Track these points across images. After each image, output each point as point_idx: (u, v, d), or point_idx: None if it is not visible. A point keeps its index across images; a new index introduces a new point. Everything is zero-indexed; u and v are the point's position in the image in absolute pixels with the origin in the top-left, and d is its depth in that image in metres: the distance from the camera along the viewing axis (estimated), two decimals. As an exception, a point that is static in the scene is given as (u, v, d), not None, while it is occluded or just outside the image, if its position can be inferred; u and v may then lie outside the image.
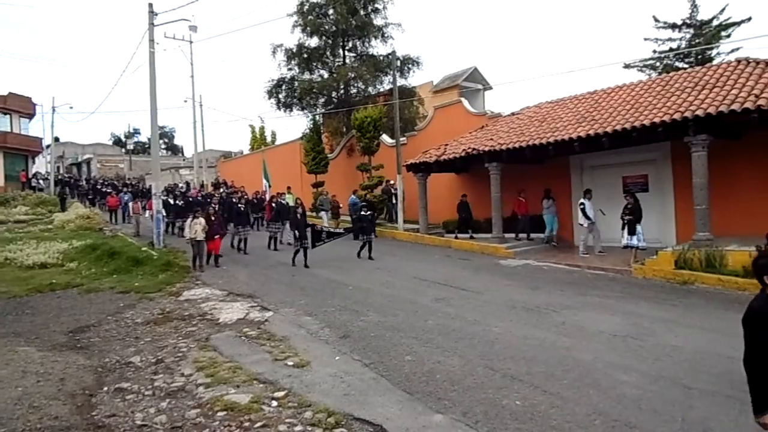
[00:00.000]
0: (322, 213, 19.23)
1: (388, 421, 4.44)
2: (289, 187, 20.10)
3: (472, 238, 15.87)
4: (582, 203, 13.01)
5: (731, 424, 4.22)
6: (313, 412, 4.63)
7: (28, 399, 5.14)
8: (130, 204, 21.31)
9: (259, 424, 4.48)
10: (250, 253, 14.91)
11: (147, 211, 19.77)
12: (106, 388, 5.56)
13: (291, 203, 16.61)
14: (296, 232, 12.97)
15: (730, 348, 6.00)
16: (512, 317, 7.76)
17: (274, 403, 4.90)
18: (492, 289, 9.77)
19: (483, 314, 7.94)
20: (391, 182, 19.89)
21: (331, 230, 14.20)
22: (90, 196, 31.05)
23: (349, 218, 18.58)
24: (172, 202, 18.98)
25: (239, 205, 15.90)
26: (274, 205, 16.46)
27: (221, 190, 24.52)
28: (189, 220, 13.08)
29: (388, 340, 6.75)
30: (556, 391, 4.93)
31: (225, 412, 4.73)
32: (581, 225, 13.18)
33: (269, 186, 20.83)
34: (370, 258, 13.37)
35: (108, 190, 28.15)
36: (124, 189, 26.97)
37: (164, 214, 18.10)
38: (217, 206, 14.93)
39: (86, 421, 4.72)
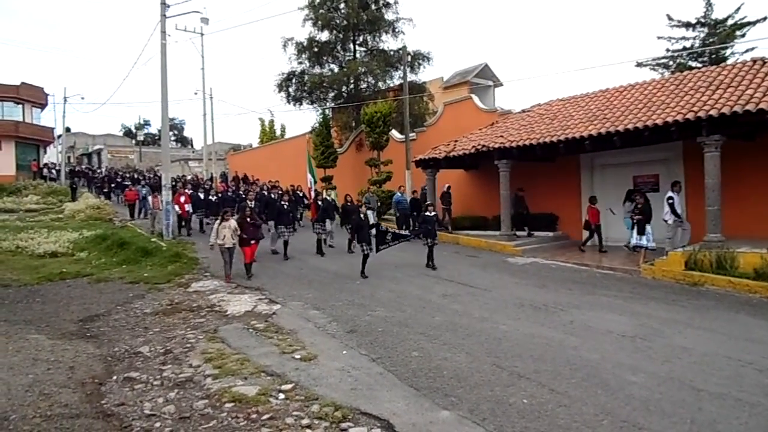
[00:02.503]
0: (368, 212, 17.20)
1: (395, 416, 4.45)
2: (330, 181, 19.25)
3: (530, 235, 15.08)
4: (671, 197, 11.29)
5: (741, 427, 4.19)
6: (320, 406, 4.65)
7: (39, 386, 5.21)
8: (149, 198, 19.01)
9: (266, 416, 4.50)
10: (291, 257, 12.94)
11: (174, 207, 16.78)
12: (115, 377, 5.62)
13: (334, 199, 15.32)
14: (356, 236, 11.56)
15: (739, 350, 5.98)
16: (520, 315, 7.74)
17: (282, 396, 4.92)
18: (500, 287, 9.75)
19: (490, 311, 7.93)
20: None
21: (396, 232, 12.21)
22: (106, 189, 28.80)
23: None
24: (202, 196, 17.50)
25: (282, 203, 13.65)
26: (319, 202, 14.82)
27: (260, 183, 21.57)
28: (216, 223, 10.90)
29: (395, 335, 6.76)
30: (564, 390, 4.92)
31: (233, 404, 4.76)
32: (665, 221, 11.40)
33: (315, 181, 18.12)
34: (431, 266, 11.63)
35: (128, 183, 25.98)
36: (142, 182, 24.75)
37: (192, 211, 17.24)
38: (253, 204, 12.96)
39: (95, 410, 4.77)
